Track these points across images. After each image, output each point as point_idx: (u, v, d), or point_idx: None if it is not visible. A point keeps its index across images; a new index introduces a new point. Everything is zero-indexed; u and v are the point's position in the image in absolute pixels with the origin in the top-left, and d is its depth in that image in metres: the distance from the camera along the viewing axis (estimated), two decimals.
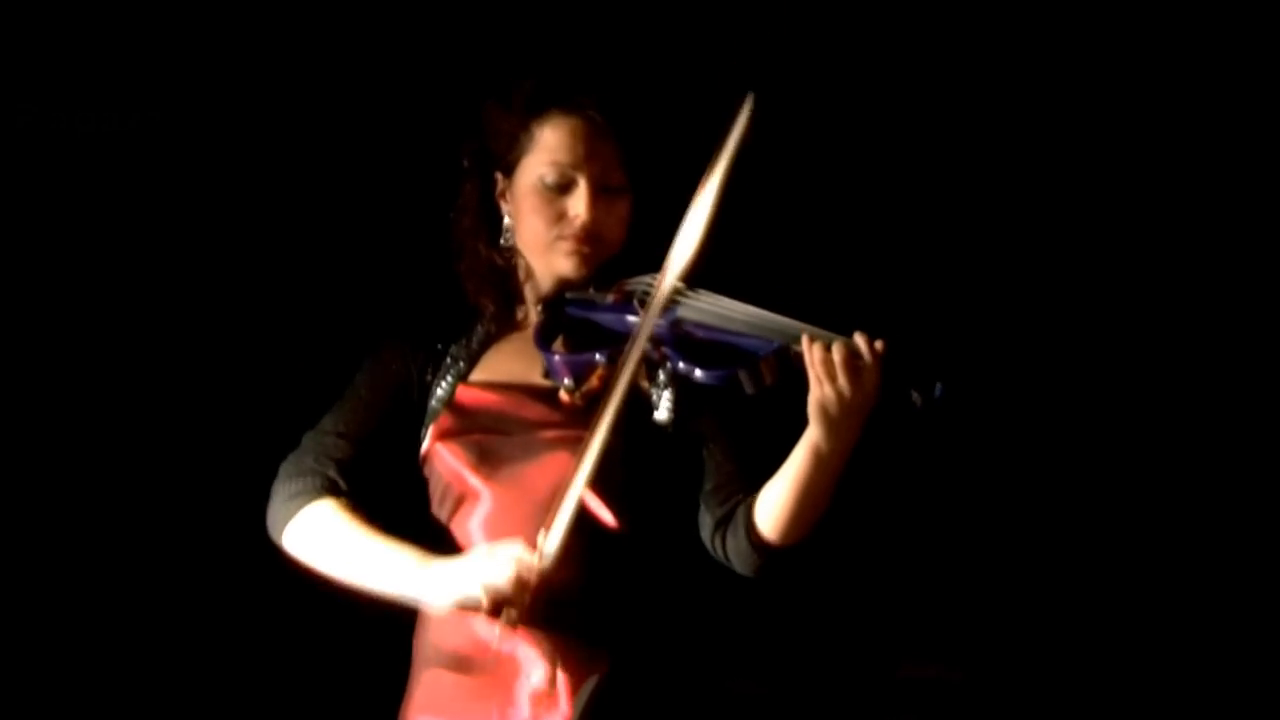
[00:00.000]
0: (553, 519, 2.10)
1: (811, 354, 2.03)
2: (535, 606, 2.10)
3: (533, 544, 2.10)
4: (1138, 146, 3.10)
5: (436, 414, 2.29)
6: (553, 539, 2.09)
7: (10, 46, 2.95)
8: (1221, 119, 3.06)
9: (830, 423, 2.06)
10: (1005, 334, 3.07)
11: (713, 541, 2.24)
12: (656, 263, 2.18)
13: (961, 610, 3.17)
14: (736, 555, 2.21)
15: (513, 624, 2.10)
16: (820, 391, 2.03)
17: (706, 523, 2.25)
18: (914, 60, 3.06)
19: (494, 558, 2.11)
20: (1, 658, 2.99)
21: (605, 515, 2.19)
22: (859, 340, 2.03)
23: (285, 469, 2.31)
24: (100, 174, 3.03)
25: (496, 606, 2.09)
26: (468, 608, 2.12)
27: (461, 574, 2.12)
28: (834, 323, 2.07)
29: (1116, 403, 3.11)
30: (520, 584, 2.08)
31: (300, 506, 2.26)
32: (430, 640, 2.25)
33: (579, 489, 2.10)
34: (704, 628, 2.28)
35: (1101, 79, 3.07)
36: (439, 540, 2.24)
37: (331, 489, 2.27)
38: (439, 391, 2.30)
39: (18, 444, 3.01)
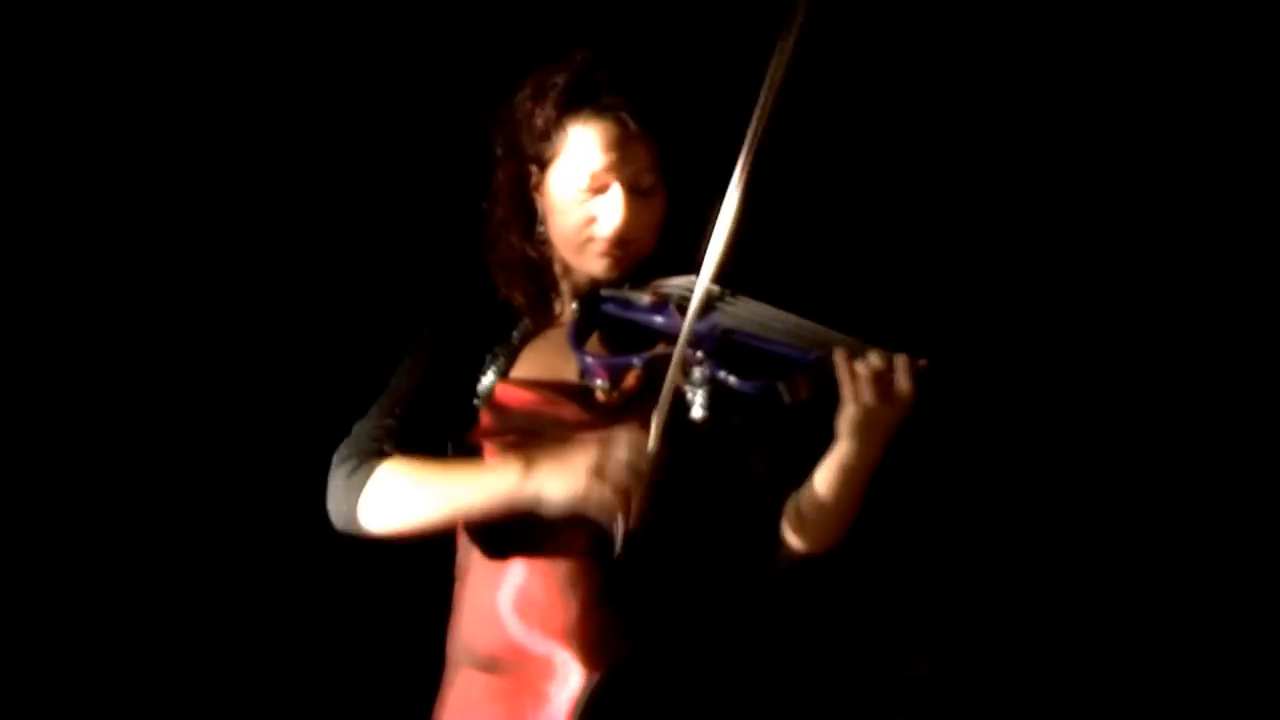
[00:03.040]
0: (657, 415, 2.05)
1: (846, 369, 2.02)
2: (648, 503, 2.03)
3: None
4: (1154, 153, 3.10)
5: (476, 411, 2.26)
6: (654, 434, 2.04)
7: (14, 46, 2.92)
8: (1234, 121, 3.07)
9: (860, 436, 2.06)
10: (1007, 338, 3.07)
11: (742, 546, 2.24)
12: (692, 261, 2.15)
13: (961, 610, 3.17)
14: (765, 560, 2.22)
15: (629, 529, 2.03)
16: (852, 406, 2.03)
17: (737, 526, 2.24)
18: (938, 64, 3.04)
19: (608, 449, 2.04)
20: (17, 659, 2.97)
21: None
22: (897, 356, 2.02)
23: (339, 455, 2.25)
24: (145, 167, 3.01)
25: (622, 504, 2.01)
26: (585, 508, 2.04)
27: (574, 468, 2.04)
28: (865, 331, 2.06)
29: (1114, 404, 3.11)
30: (636, 471, 2.02)
31: (366, 478, 2.19)
32: (463, 641, 2.24)
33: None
34: (723, 625, 2.27)
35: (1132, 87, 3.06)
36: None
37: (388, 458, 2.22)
38: (479, 388, 2.27)
39: (56, 444, 2.99)
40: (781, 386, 2.05)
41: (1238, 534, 3.10)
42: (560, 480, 2.05)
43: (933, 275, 3.07)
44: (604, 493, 2.01)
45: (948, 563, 3.17)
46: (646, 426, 2.08)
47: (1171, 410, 3.10)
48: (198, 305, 3.03)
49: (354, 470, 2.20)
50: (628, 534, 2.04)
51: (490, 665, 2.20)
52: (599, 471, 2.02)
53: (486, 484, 2.11)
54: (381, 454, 2.21)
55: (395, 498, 2.17)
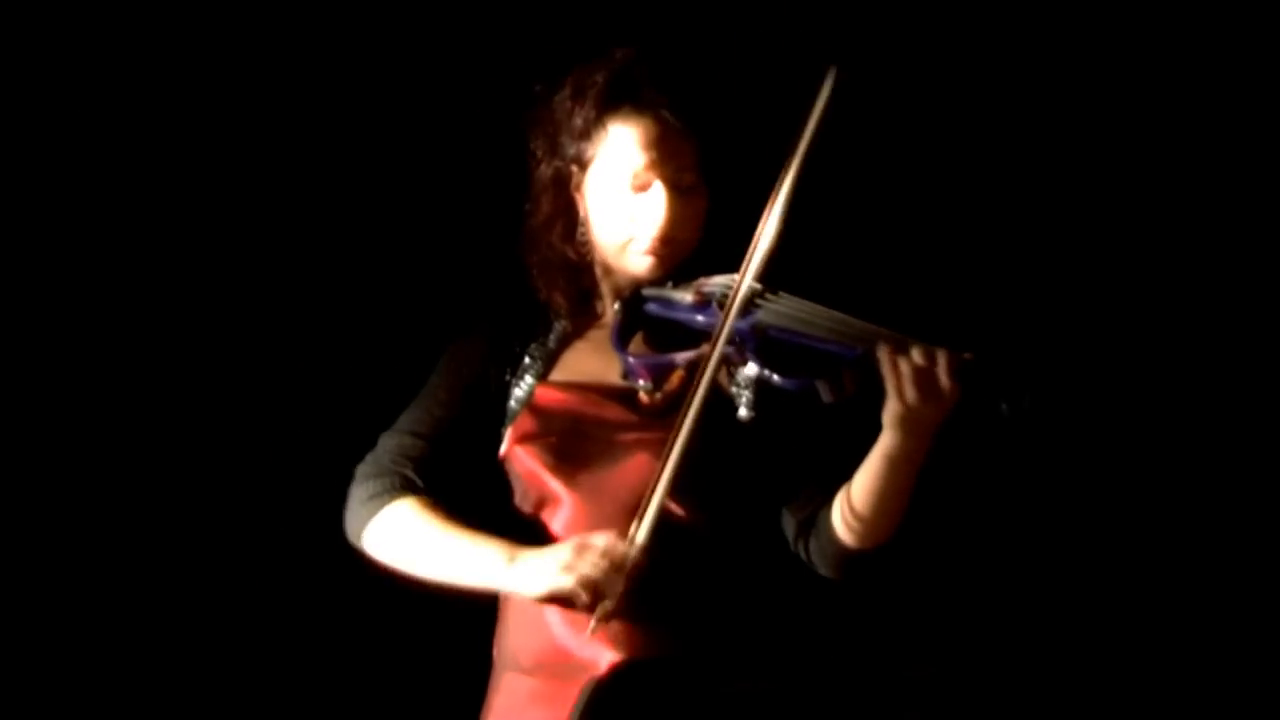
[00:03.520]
0: (642, 510, 2.07)
1: (888, 362, 2.02)
2: (628, 598, 2.07)
3: (621, 537, 2.08)
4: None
5: (515, 415, 2.25)
6: (644, 528, 2.07)
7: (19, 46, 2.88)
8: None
9: (906, 429, 2.05)
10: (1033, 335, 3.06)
11: (796, 544, 2.24)
12: (735, 259, 2.14)
13: (962, 610, 3.17)
14: (819, 558, 2.22)
15: (607, 617, 2.07)
16: (896, 399, 2.03)
17: (789, 525, 2.24)
18: (993, 59, 3.01)
19: (586, 549, 2.07)
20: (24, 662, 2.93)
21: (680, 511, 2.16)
22: (939, 351, 2.02)
23: (361, 470, 2.28)
24: (175, 168, 2.98)
25: (593, 599, 2.06)
26: (560, 601, 2.09)
27: (553, 566, 2.08)
28: (920, 327, 2.05)
29: (1123, 405, 3.12)
30: (614, 575, 2.05)
31: (379, 507, 2.23)
32: (509, 646, 2.23)
33: (663, 490, 2.08)
34: (735, 625, 2.26)
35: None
36: (521, 537, 2.20)
37: (409, 487, 2.24)
38: (518, 392, 2.27)
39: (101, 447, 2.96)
40: (823, 384, 2.05)
41: (1240, 536, 3.11)
42: (536, 579, 2.10)
43: (972, 269, 3.05)
44: (577, 592, 2.06)
45: (955, 562, 3.17)
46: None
47: (1179, 412, 3.11)
48: (228, 310, 3.00)
49: (371, 495, 2.24)
50: (601, 622, 2.08)
51: (535, 669, 2.19)
52: (574, 576, 2.06)
53: (472, 566, 2.16)
54: (402, 480, 2.24)
55: (397, 542, 2.22)
